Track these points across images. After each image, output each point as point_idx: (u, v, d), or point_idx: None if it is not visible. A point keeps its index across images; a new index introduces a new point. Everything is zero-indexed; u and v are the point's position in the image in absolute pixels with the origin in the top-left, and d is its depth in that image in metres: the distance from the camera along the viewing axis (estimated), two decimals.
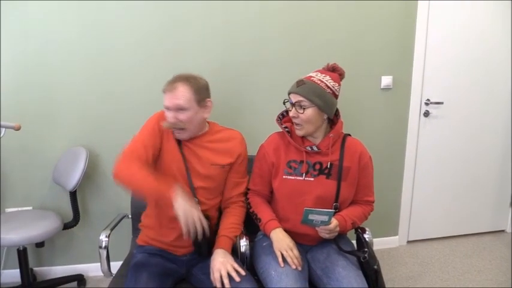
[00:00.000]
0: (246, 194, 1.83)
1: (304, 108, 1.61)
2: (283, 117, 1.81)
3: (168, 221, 1.63)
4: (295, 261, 1.55)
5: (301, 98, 1.61)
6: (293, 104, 1.63)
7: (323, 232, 1.58)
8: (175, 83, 1.61)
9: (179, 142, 1.68)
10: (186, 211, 1.41)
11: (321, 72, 1.68)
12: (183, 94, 1.59)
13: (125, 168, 1.50)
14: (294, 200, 1.68)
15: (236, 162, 1.75)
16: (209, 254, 1.60)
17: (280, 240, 1.62)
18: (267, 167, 1.75)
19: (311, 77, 1.65)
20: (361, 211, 1.74)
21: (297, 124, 1.66)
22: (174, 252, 1.70)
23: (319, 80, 1.63)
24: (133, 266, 1.61)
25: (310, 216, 1.53)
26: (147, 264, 1.60)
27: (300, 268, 1.55)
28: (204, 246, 1.60)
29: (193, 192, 1.66)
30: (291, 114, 1.64)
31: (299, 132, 1.67)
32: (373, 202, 1.80)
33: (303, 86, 1.61)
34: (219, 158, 1.71)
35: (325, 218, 1.53)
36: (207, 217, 1.57)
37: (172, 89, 1.59)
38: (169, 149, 1.66)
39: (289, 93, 1.66)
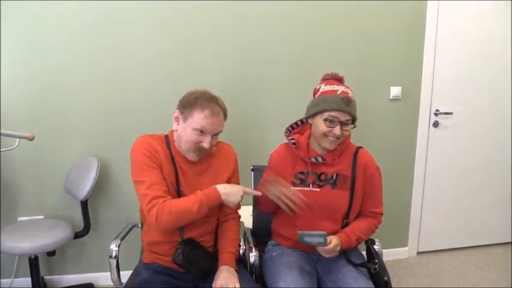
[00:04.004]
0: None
1: (347, 125, 1.60)
2: (292, 129, 1.82)
3: (173, 238, 1.60)
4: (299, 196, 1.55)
5: (349, 117, 1.59)
6: (340, 122, 1.57)
7: (322, 252, 1.58)
8: (216, 106, 1.53)
9: (174, 166, 1.58)
10: (230, 194, 1.52)
11: (343, 85, 1.66)
12: (222, 120, 1.57)
13: (165, 216, 1.43)
14: (303, 211, 1.67)
15: (232, 177, 1.71)
16: (203, 275, 1.59)
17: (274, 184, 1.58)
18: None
19: (347, 93, 1.61)
20: (367, 225, 1.71)
21: (334, 138, 1.60)
22: (180, 269, 1.64)
23: (352, 94, 1.63)
24: (138, 284, 1.58)
25: (306, 239, 1.53)
26: (153, 282, 1.57)
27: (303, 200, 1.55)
28: (192, 268, 1.57)
29: None
30: (337, 132, 1.56)
31: (331, 146, 1.62)
32: (381, 214, 1.76)
33: (350, 105, 1.58)
34: (217, 178, 1.63)
35: (320, 239, 1.52)
36: (195, 243, 1.61)
37: (216, 113, 1.53)
38: (166, 174, 1.56)
39: (331, 110, 1.57)
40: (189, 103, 1.52)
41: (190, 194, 1.53)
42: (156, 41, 2.40)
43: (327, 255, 1.59)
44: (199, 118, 1.50)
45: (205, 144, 1.52)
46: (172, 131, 1.64)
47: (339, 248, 1.59)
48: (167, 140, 1.62)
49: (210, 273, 1.60)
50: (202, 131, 1.51)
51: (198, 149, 1.55)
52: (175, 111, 1.58)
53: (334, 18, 2.56)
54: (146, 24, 2.37)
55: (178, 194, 1.57)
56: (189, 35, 2.42)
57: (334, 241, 1.56)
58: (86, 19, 2.32)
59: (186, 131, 1.53)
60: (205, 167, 1.64)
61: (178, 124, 1.57)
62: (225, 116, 1.60)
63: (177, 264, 1.56)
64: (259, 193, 1.58)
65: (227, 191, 1.52)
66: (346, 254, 1.68)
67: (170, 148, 1.59)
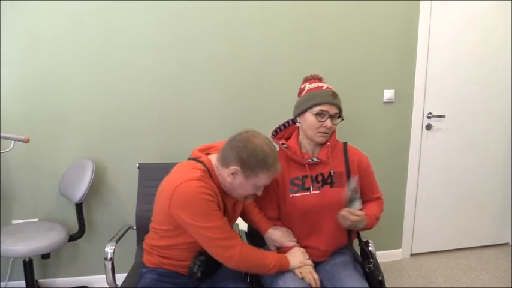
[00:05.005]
0: None
1: (335, 118, 1.66)
2: (277, 133, 1.83)
3: (188, 248, 1.57)
4: (317, 282, 1.57)
5: (337, 110, 1.65)
6: (330, 116, 1.63)
7: (347, 216, 1.58)
8: (278, 164, 1.52)
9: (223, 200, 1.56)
10: (301, 267, 1.60)
11: (325, 83, 1.73)
12: None
13: (244, 262, 1.48)
14: (307, 215, 1.68)
15: None
16: (213, 273, 1.61)
17: (299, 263, 1.62)
18: (272, 189, 1.71)
19: (331, 88, 1.68)
20: (378, 206, 1.79)
21: (325, 133, 1.65)
22: (185, 274, 1.62)
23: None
24: None
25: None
26: None
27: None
28: (208, 276, 1.60)
29: None
30: (328, 124, 1.62)
31: (322, 139, 1.67)
32: (381, 195, 1.84)
33: (337, 99, 1.65)
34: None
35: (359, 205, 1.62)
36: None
37: (278, 171, 1.53)
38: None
39: (321, 104, 1.62)
40: (258, 166, 1.44)
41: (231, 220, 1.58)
42: (152, 42, 2.41)
43: (348, 223, 1.60)
44: (264, 179, 1.49)
45: (259, 193, 1.56)
46: (207, 158, 1.54)
47: (363, 225, 1.64)
48: (209, 173, 1.51)
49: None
50: (263, 185, 1.53)
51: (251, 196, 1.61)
52: (233, 167, 1.45)
53: (327, 20, 2.58)
54: (142, 26, 2.38)
55: None
56: (186, 36, 2.43)
57: (361, 213, 1.61)
58: (82, 20, 2.32)
59: (245, 186, 1.50)
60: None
61: (235, 178, 1.48)
62: None
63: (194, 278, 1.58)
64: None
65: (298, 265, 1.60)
66: (353, 249, 1.75)
67: (213, 179, 1.52)
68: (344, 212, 1.58)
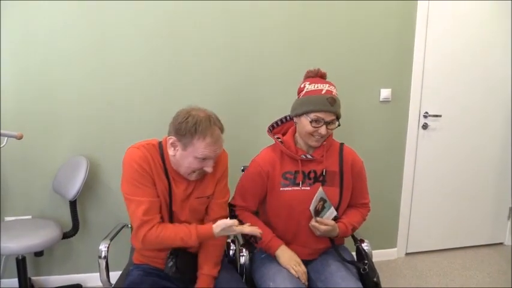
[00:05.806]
0: (230, 210, 1.78)
1: (332, 124, 1.62)
2: (273, 128, 1.82)
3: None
4: (304, 276, 1.58)
5: (334, 117, 1.61)
6: (326, 122, 1.59)
7: (317, 227, 1.62)
8: (216, 129, 1.44)
9: (168, 180, 1.53)
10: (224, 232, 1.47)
11: (327, 82, 1.67)
12: (222, 142, 1.48)
13: (152, 241, 1.45)
14: (293, 210, 1.68)
15: (221, 178, 1.65)
16: (192, 278, 1.59)
17: (289, 257, 1.64)
18: (261, 181, 1.70)
19: (331, 92, 1.62)
20: (361, 215, 1.79)
21: (320, 137, 1.63)
22: None
23: (336, 91, 1.65)
24: (127, 285, 1.57)
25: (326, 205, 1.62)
26: (142, 283, 1.55)
27: (306, 283, 1.58)
28: (186, 278, 1.58)
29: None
30: (323, 132, 1.59)
31: (316, 143, 1.65)
32: (369, 202, 1.84)
33: (335, 105, 1.61)
34: (207, 187, 1.60)
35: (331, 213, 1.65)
36: (185, 252, 1.58)
37: (217, 137, 1.44)
38: (159, 188, 1.52)
39: (318, 111, 1.58)
40: (188, 131, 1.40)
41: (181, 211, 1.54)
42: (147, 38, 2.39)
43: (318, 233, 1.64)
44: (201, 147, 1.41)
45: (208, 169, 1.47)
46: (167, 139, 1.52)
47: (335, 233, 1.67)
48: (161, 149, 1.53)
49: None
50: (206, 158, 1.44)
51: (200, 172, 1.50)
52: (170, 138, 1.46)
53: (324, 19, 2.57)
54: (137, 23, 2.36)
55: (170, 210, 1.55)
56: (181, 31, 2.41)
57: (332, 223, 1.64)
58: (76, 16, 2.30)
59: (187, 159, 1.44)
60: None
61: (175, 150, 1.47)
62: (222, 132, 1.51)
63: (170, 276, 1.55)
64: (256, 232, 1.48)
65: (221, 233, 1.47)
66: (337, 251, 1.71)
67: (164, 159, 1.52)
68: (313, 222, 1.62)
